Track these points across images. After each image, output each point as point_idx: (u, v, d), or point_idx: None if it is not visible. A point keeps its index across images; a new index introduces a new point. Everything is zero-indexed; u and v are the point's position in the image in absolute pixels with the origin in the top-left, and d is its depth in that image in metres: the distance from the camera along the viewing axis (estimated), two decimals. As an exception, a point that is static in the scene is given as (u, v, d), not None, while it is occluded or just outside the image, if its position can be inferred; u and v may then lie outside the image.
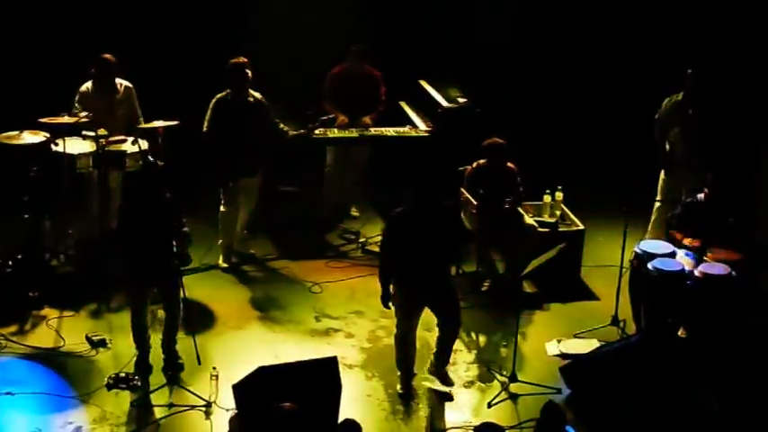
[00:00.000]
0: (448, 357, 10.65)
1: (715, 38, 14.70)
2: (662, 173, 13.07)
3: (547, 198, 12.94)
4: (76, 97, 12.65)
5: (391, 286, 10.25)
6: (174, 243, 10.38)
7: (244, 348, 11.05)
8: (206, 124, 12.36)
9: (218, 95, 12.37)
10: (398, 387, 10.56)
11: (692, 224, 11.52)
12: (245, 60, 12.28)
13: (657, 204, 12.97)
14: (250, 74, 12.27)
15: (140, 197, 10.40)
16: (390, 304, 10.29)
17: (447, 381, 10.60)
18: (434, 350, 10.63)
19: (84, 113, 12.24)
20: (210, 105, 12.36)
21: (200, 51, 14.76)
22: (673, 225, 11.70)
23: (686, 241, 11.46)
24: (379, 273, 10.39)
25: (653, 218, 13.02)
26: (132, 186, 11.04)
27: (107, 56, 12.66)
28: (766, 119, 13.38)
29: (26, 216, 12.18)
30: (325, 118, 13.32)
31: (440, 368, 10.62)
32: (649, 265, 11.13)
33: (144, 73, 13.54)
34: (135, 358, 10.62)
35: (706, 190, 11.53)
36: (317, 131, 13.34)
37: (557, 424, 8.40)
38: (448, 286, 10.43)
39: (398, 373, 10.59)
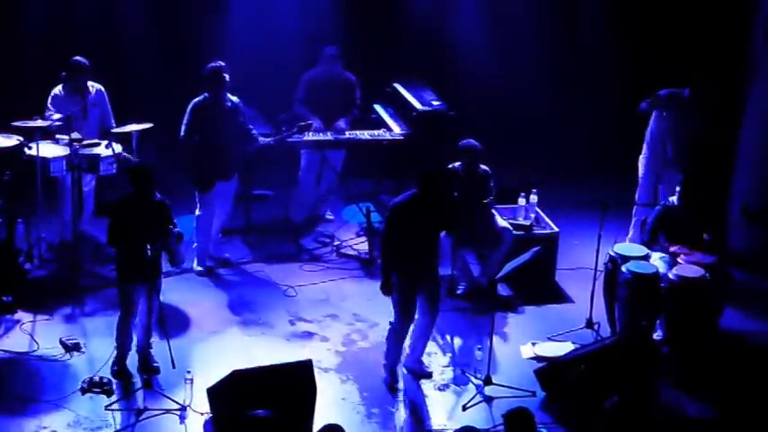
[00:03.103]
0: (423, 349, 10.82)
1: (690, 39, 14.80)
2: (640, 176, 13.17)
3: (521, 201, 12.97)
4: (49, 101, 12.62)
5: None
6: (167, 245, 10.35)
7: (218, 352, 11.03)
8: (183, 128, 12.32)
9: (196, 100, 12.33)
10: (391, 382, 10.68)
11: (669, 228, 11.55)
12: (223, 64, 12.26)
13: (636, 207, 13.11)
14: (227, 78, 12.25)
15: (133, 198, 10.35)
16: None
17: (424, 369, 10.83)
18: (410, 342, 10.82)
19: (57, 116, 12.23)
20: (188, 110, 12.31)
21: (174, 55, 14.77)
22: (650, 233, 11.69)
23: (673, 248, 11.46)
24: (382, 261, 10.62)
25: (633, 220, 13.14)
26: (125, 188, 10.95)
27: (79, 59, 12.64)
28: (741, 121, 13.42)
29: (-1, 220, 12.16)
30: (302, 124, 13.30)
31: (416, 360, 10.81)
32: (624, 268, 11.17)
33: (117, 76, 13.55)
34: (113, 359, 10.56)
35: (679, 191, 11.57)
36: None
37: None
38: (437, 274, 10.66)
39: (383, 362, 10.79)
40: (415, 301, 10.56)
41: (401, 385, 10.69)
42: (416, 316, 10.68)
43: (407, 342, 10.87)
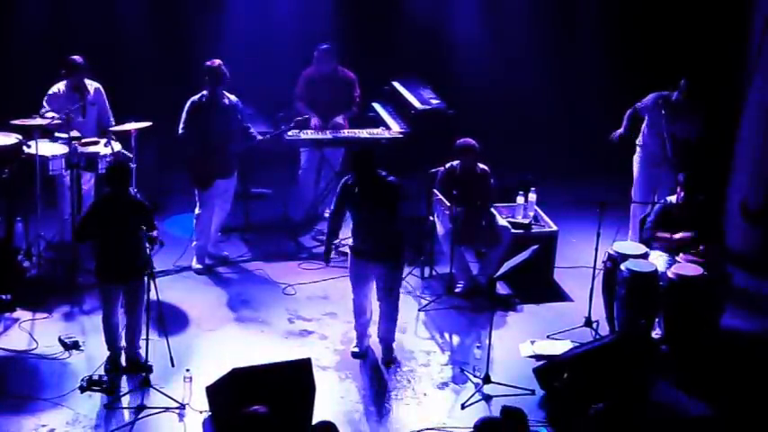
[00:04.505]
0: (388, 334, 11.09)
1: (685, 39, 14.80)
2: (635, 173, 13.16)
3: (520, 199, 12.97)
4: (45, 99, 12.62)
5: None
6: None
7: (217, 350, 11.03)
8: (181, 126, 12.33)
9: (193, 97, 12.35)
10: (353, 346, 11.22)
11: (669, 227, 11.55)
12: (220, 62, 12.27)
13: (634, 207, 13.10)
14: (226, 75, 12.25)
15: (110, 197, 10.36)
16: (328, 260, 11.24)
17: (388, 355, 11.10)
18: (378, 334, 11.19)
19: (52, 115, 12.19)
20: (186, 107, 12.33)
21: (173, 53, 14.78)
22: (651, 230, 11.70)
23: (677, 236, 11.47)
24: (326, 232, 11.28)
25: (632, 221, 13.12)
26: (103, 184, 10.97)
27: (76, 57, 12.64)
28: (738, 119, 13.43)
29: (-2, 218, 12.16)
30: (300, 119, 13.32)
31: (384, 345, 11.13)
32: (622, 266, 11.17)
33: (116, 75, 13.56)
34: (106, 359, 10.59)
35: (679, 191, 11.57)
36: (289, 132, 13.34)
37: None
38: (389, 257, 10.85)
39: (355, 335, 11.29)
40: (360, 277, 11.00)
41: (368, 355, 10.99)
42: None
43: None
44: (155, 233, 10.43)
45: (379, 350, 11.15)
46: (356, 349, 11.16)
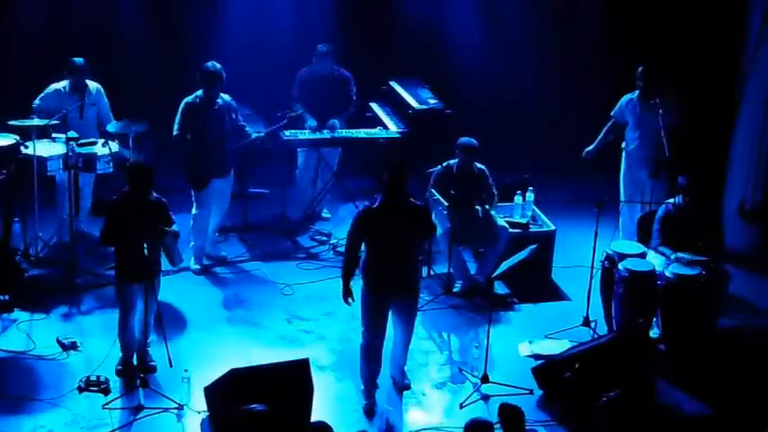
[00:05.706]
0: (405, 358, 10.57)
1: (683, 35, 14.81)
2: (621, 173, 13.12)
3: (518, 199, 12.97)
4: (40, 96, 12.62)
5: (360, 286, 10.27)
6: (164, 244, 10.31)
7: (215, 351, 11.02)
8: (176, 127, 12.32)
9: (187, 98, 12.34)
10: (364, 401, 10.34)
11: (673, 231, 11.51)
12: (216, 64, 12.26)
13: (623, 206, 13.05)
14: (223, 76, 12.25)
15: (129, 197, 10.34)
16: (350, 300, 10.16)
17: (404, 381, 10.59)
18: (391, 350, 10.58)
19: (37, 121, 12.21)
20: (180, 108, 12.33)
21: (171, 54, 14.76)
22: (658, 239, 11.64)
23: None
24: (342, 269, 10.23)
25: (621, 219, 13.07)
26: (122, 186, 10.90)
27: (77, 59, 12.65)
28: (733, 120, 13.43)
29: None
30: (292, 114, 13.33)
31: (398, 370, 10.57)
32: (620, 266, 11.17)
33: (114, 76, 13.56)
34: (119, 359, 10.58)
35: (682, 194, 11.50)
36: (287, 132, 13.35)
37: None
38: (414, 287, 10.31)
39: (362, 388, 10.41)
40: (379, 316, 10.14)
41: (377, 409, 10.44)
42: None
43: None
44: (175, 227, 10.44)
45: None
46: (366, 401, 10.31)
